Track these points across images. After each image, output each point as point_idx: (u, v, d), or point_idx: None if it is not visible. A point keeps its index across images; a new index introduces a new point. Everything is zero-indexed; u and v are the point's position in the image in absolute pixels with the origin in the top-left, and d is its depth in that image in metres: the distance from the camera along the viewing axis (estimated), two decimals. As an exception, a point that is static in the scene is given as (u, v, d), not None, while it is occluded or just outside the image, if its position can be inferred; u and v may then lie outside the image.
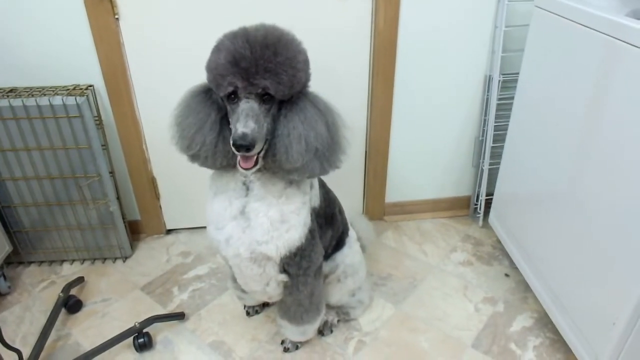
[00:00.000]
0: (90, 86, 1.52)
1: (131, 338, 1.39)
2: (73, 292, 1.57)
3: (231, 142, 0.94)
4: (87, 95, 1.46)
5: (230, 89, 0.95)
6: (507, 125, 1.60)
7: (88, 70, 1.53)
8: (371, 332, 1.45)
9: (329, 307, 1.44)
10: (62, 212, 1.63)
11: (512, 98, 1.55)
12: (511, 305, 1.53)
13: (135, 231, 1.83)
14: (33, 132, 1.48)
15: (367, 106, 1.72)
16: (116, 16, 1.45)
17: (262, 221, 1.09)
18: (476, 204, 1.88)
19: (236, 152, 0.96)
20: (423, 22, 1.57)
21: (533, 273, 1.50)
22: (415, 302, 1.55)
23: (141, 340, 1.38)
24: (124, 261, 1.75)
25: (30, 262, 1.73)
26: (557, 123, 1.30)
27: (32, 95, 1.45)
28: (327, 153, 1.04)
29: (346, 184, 1.88)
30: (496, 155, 1.73)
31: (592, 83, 1.14)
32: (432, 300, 1.55)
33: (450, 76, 1.68)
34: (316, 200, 1.21)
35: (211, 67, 0.97)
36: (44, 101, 1.42)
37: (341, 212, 1.37)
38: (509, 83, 1.65)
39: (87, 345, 1.42)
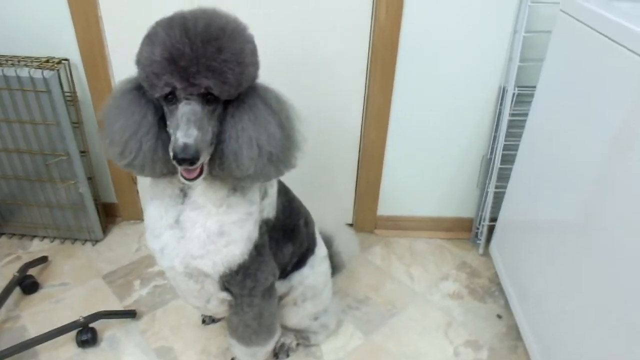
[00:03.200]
0: (65, 60, 1.43)
1: (75, 332, 1.32)
2: (33, 271, 1.51)
3: (171, 154, 0.80)
4: (57, 70, 1.37)
5: (167, 89, 0.80)
6: (519, 144, 1.39)
7: (65, 43, 1.43)
8: (331, 361, 1.32)
9: (287, 329, 1.31)
10: (32, 188, 1.56)
11: (527, 114, 1.34)
12: (497, 353, 1.34)
13: (110, 214, 1.75)
14: (1, 104, 1.40)
15: (362, 108, 1.55)
16: (95, -13, 1.34)
17: (197, 233, 0.95)
18: (478, 229, 1.69)
19: (177, 166, 0.82)
20: (430, 19, 1.38)
21: (526, 318, 1.31)
22: (389, 334, 1.39)
23: (84, 337, 1.30)
24: (93, 244, 1.67)
25: (1, 233, 1.69)
26: (576, 147, 1.08)
27: (2, 65, 1.37)
28: (281, 155, 0.90)
29: (335, 190, 1.72)
30: (504, 177, 1.52)
31: (623, 108, 0.93)
32: (408, 335, 1.39)
33: (459, 84, 1.47)
34: (270, 211, 1.06)
35: (143, 64, 0.81)
36: (10, 72, 1.34)
37: (308, 224, 1.22)
38: (524, 97, 1.43)
39: (33, 332, 1.35)
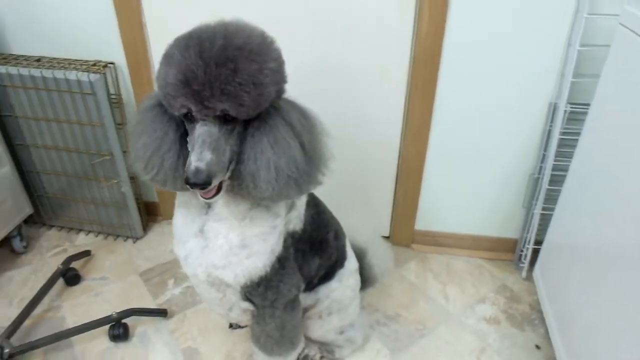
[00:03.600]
0: (111, 63, 1.48)
1: (108, 326, 1.37)
2: (76, 264, 1.59)
3: (184, 177, 0.79)
4: (103, 73, 1.42)
5: (184, 110, 0.79)
6: (569, 165, 1.30)
7: (112, 47, 1.49)
8: (354, 378, 1.28)
9: (311, 341, 1.29)
10: (79, 185, 1.64)
11: (579, 133, 1.25)
12: (531, 385, 1.26)
13: (152, 213, 1.81)
14: (51, 104, 1.48)
15: (401, 121, 1.50)
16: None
17: (220, 243, 0.95)
18: (522, 251, 1.59)
19: (190, 189, 0.81)
20: (476, 30, 1.31)
21: (568, 353, 1.22)
22: (417, 355, 1.34)
23: (116, 331, 1.34)
24: (134, 242, 1.73)
25: (51, 226, 1.79)
26: (633, 170, 0.99)
27: (53, 67, 1.44)
28: (303, 176, 0.87)
29: (372, 201, 1.68)
30: (552, 199, 1.42)
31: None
32: (437, 357, 1.33)
33: (506, 99, 1.39)
34: (297, 223, 1.04)
35: (160, 84, 0.80)
36: (60, 75, 1.41)
37: (338, 237, 1.19)
38: (577, 115, 1.33)
39: (71, 322, 1.41)
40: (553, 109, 1.38)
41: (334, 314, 1.21)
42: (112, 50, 1.50)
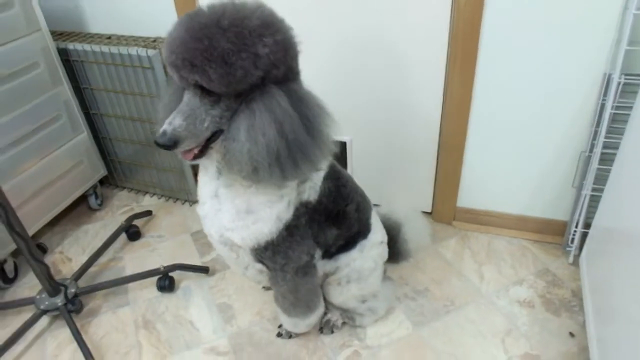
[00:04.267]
0: (168, 39, 1.61)
1: (157, 278, 1.53)
2: (138, 222, 1.78)
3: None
4: (160, 49, 1.56)
5: (173, 77, 0.87)
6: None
7: (170, 24, 1.61)
8: (373, 346, 1.31)
9: (334, 307, 1.34)
10: (144, 152, 1.82)
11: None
12: (558, 374, 1.20)
13: (208, 179, 1.95)
14: (118, 77, 1.65)
15: (441, 96, 1.45)
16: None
17: (229, 207, 1.03)
18: (573, 234, 1.48)
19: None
20: (521, -4, 1.22)
21: (599, 345, 1.14)
22: (439, 331, 1.33)
23: (163, 283, 1.50)
24: (190, 205, 1.89)
25: (123, 187, 2.00)
26: None
27: (120, 44, 1.60)
28: (288, 162, 0.88)
29: (414, 177, 1.66)
30: (603, 179, 1.30)
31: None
32: (460, 335, 1.31)
33: (554, 69, 1.29)
34: (312, 194, 1.07)
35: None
36: (124, 50, 1.57)
37: (360, 210, 1.20)
38: (633, 87, 1.20)
39: (129, 272, 1.60)
40: (607, 80, 1.26)
41: (352, 282, 1.25)
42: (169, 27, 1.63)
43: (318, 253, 1.17)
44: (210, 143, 0.91)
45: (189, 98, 0.86)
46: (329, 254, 1.21)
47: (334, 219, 1.14)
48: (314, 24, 1.45)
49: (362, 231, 1.23)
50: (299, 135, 0.88)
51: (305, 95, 0.91)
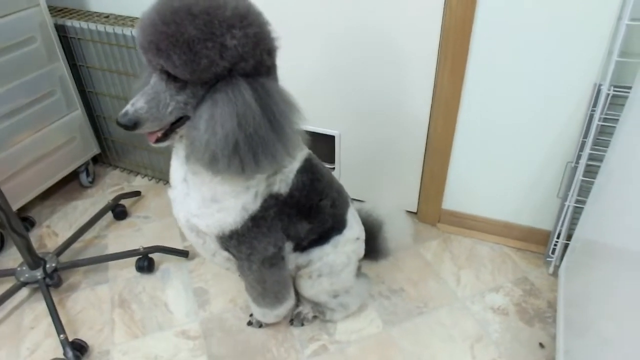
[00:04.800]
0: (164, 22, 1.61)
1: (136, 258, 1.54)
2: (126, 202, 1.80)
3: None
4: (154, 30, 1.56)
5: (144, 59, 0.87)
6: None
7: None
8: (341, 342, 1.31)
9: (306, 300, 1.34)
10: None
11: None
12: (523, 383, 1.19)
13: (199, 164, 1.96)
14: (113, 57, 1.66)
15: (430, 95, 1.43)
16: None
17: (195, 194, 1.03)
18: (555, 244, 1.46)
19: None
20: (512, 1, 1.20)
21: (565, 355, 1.13)
22: (409, 331, 1.32)
23: (142, 263, 1.52)
24: (179, 188, 1.90)
25: (116, 166, 2.02)
26: None
27: (117, 24, 1.61)
28: (247, 157, 0.88)
29: (400, 176, 1.65)
30: (587, 190, 1.28)
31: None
32: (429, 337, 1.31)
33: (545, 78, 1.26)
34: (283, 187, 1.07)
35: None
36: (119, 30, 1.57)
37: (336, 206, 1.20)
38: (621, 99, 1.17)
39: (111, 250, 1.62)
40: (597, 91, 1.23)
41: (323, 277, 1.24)
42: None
43: (289, 246, 1.17)
44: (175, 128, 0.91)
45: (155, 82, 0.86)
46: (300, 247, 1.21)
47: (306, 212, 1.14)
48: (304, 19, 1.44)
49: (337, 227, 1.22)
50: (259, 129, 0.87)
51: (273, 91, 0.90)
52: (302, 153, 1.10)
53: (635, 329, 0.84)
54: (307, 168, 1.11)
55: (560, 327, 1.22)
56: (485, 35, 1.27)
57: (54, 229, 1.73)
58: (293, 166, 1.08)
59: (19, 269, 1.45)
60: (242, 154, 0.86)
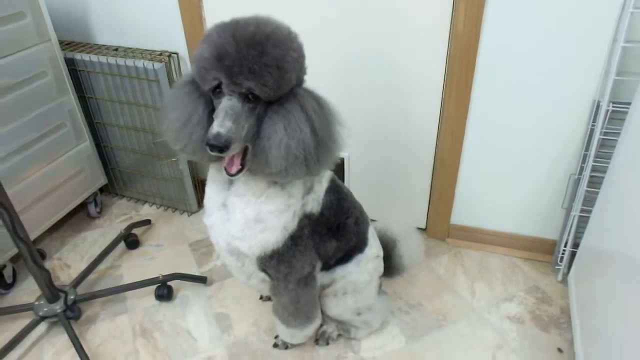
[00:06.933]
0: (175, 53, 1.65)
1: (155, 286, 1.55)
2: (137, 231, 1.80)
3: (206, 140, 0.90)
4: (166, 62, 1.60)
5: (215, 83, 0.91)
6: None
7: (177, 39, 1.66)
8: (367, 358, 1.33)
9: (330, 319, 1.37)
10: (145, 161, 1.85)
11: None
12: (546, 388, 1.24)
13: (207, 190, 1.98)
14: (123, 88, 1.69)
15: (437, 116, 1.51)
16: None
17: (238, 217, 1.07)
18: (562, 253, 1.53)
19: (209, 152, 0.92)
20: (514, 27, 1.29)
21: (585, 359, 1.18)
22: (431, 345, 1.37)
23: (161, 291, 1.52)
24: (188, 215, 1.92)
25: (123, 196, 2.03)
26: None
27: (127, 56, 1.64)
28: (314, 158, 0.96)
29: (409, 194, 1.71)
30: (591, 201, 1.36)
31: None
32: (451, 349, 1.35)
33: (547, 96, 1.35)
34: (315, 206, 1.12)
35: (197, 60, 0.93)
36: (130, 63, 1.61)
37: (359, 224, 1.25)
38: (620, 114, 1.26)
39: (127, 280, 1.62)
40: (596, 107, 1.32)
41: (348, 295, 1.28)
42: (177, 41, 1.67)
43: (319, 265, 1.21)
44: (247, 152, 0.96)
45: (232, 104, 0.89)
46: (327, 266, 1.25)
47: (334, 231, 1.18)
48: (318, 44, 1.50)
49: (359, 245, 1.27)
50: (324, 131, 0.95)
51: (319, 96, 0.99)
52: (328, 174, 1.15)
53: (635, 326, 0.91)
54: (334, 188, 1.16)
55: (577, 332, 1.28)
56: (489, 60, 1.35)
57: (66, 261, 1.71)
58: (322, 186, 1.13)
59: (36, 303, 1.44)
60: (312, 154, 0.93)
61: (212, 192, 1.13)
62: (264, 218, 1.05)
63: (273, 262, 1.10)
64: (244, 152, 0.97)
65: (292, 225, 1.08)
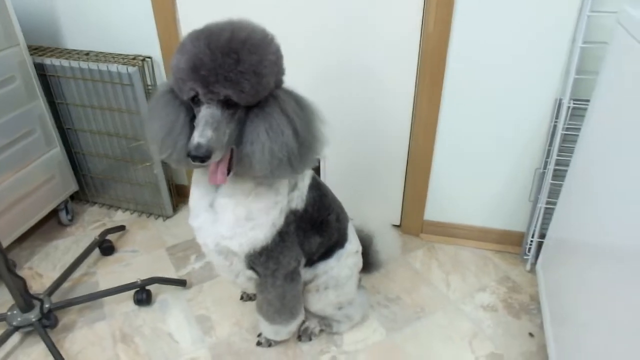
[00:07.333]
0: (149, 58, 1.65)
1: (133, 292, 1.53)
2: (112, 237, 1.77)
3: (187, 151, 0.90)
4: (138, 66, 1.59)
5: (192, 93, 0.91)
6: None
7: (150, 43, 1.65)
8: (350, 352, 1.37)
9: (312, 314, 1.39)
10: (118, 167, 1.83)
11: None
12: (520, 371, 1.30)
13: (182, 194, 1.97)
14: (96, 93, 1.67)
15: (410, 116, 1.57)
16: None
17: (228, 217, 1.08)
18: (528, 244, 1.61)
19: (192, 162, 0.92)
20: (482, 28, 1.36)
21: (556, 344, 1.25)
22: (411, 336, 1.41)
23: (140, 296, 1.51)
24: (163, 220, 1.90)
25: (94, 203, 1.99)
26: (631, 167, 0.98)
27: (99, 61, 1.63)
28: (297, 158, 0.97)
29: (383, 191, 1.76)
30: (556, 193, 1.44)
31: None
32: (430, 339, 1.40)
33: (513, 94, 1.43)
34: (299, 203, 1.15)
35: (173, 70, 0.93)
36: (103, 67, 1.59)
37: (340, 220, 1.29)
38: (581, 111, 1.35)
39: (103, 287, 1.59)
40: (558, 105, 1.41)
41: (330, 289, 1.31)
42: (151, 45, 1.67)
43: (303, 261, 1.24)
44: (232, 157, 0.97)
45: (211, 112, 0.89)
46: (310, 262, 1.27)
47: (317, 227, 1.21)
48: (294, 48, 1.54)
49: (340, 241, 1.30)
50: (306, 131, 0.97)
51: (299, 96, 1.00)
52: (309, 172, 1.18)
53: (607, 313, 0.98)
54: (315, 185, 1.20)
55: (547, 317, 1.35)
56: (458, 62, 1.42)
57: (37, 270, 1.67)
58: (305, 183, 1.16)
59: (9, 313, 1.40)
60: (295, 154, 0.94)
61: (199, 194, 1.13)
62: (254, 216, 1.07)
63: (262, 259, 1.12)
64: (230, 155, 0.98)
65: (280, 221, 1.10)
